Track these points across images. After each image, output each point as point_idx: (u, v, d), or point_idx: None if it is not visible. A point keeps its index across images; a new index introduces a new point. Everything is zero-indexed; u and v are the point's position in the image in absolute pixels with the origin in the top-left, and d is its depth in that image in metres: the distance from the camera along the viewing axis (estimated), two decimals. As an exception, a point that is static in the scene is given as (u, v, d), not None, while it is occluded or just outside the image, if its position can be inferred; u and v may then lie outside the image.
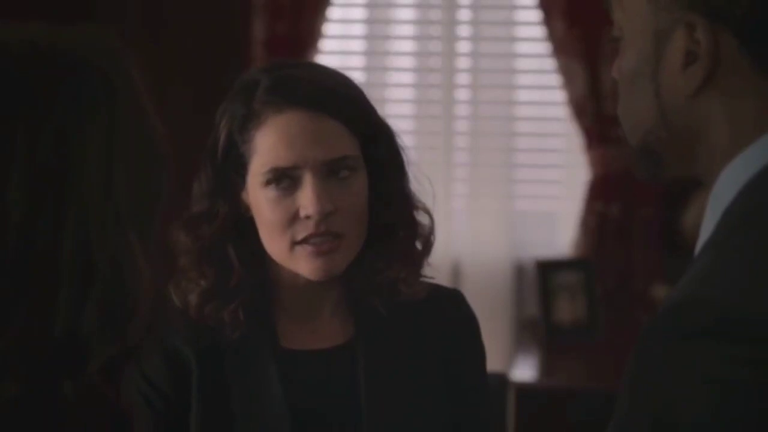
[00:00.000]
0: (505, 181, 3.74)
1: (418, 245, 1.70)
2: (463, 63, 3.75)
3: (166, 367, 1.65)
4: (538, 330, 3.59)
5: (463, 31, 3.75)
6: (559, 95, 3.63)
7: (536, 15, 3.62)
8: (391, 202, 1.66)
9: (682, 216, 3.54)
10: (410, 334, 1.70)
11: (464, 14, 3.75)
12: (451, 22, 3.71)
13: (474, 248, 3.67)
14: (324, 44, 3.65)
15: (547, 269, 3.57)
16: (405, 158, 1.70)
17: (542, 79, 3.73)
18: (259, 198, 1.61)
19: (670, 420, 0.98)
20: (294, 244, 1.60)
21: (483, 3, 3.75)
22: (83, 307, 1.04)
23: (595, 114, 3.56)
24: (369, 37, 3.79)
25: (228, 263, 1.64)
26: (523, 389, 3.15)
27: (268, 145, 1.59)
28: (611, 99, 3.49)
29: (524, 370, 3.37)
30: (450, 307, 1.74)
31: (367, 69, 3.77)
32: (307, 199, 1.58)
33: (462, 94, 3.76)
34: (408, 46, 3.81)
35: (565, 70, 3.56)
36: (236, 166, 1.63)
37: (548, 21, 3.56)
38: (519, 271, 3.70)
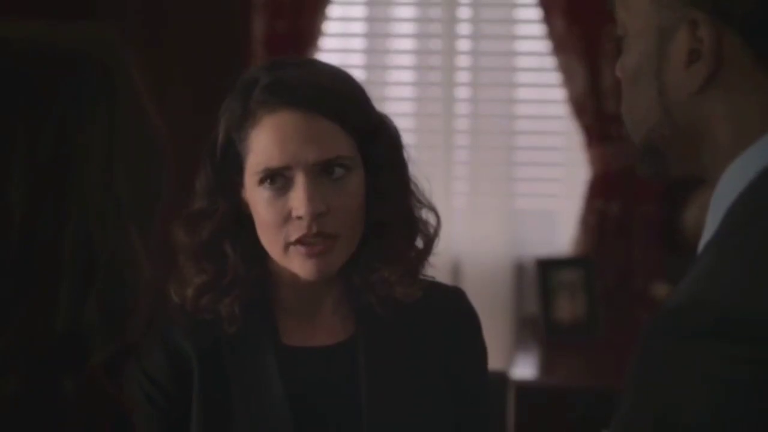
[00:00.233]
0: (505, 179, 3.74)
1: (420, 244, 1.70)
2: (463, 61, 3.75)
3: (167, 363, 1.66)
4: (538, 328, 3.59)
5: (463, 29, 3.75)
6: (559, 93, 3.63)
7: (536, 13, 3.62)
8: (388, 201, 1.66)
9: (683, 214, 3.54)
10: (411, 331, 1.70)
11: (464, 12, 3.75)
12: (451, 20, 3.71)
13: (474, 246, 3.67)
14: (324, 42, 3.65)
15: (547, 267, 3.57)
16: (406, 156, 1.70)
17: (542, 77, 3.73)
18: (255, 197, 1.62)
19: (671, 420, 0.99)
20: (288, 244, 1.60)
21: (483, 1, 3.75)
22: (84, 303, 1.05)
23: (595, 112, 3.56)
24: (369, 35, 3.79)
25: (225, 259, 1.64)
26: (523, 387, 3.15)
27: (261, 145, 1.60)
28: (611, 97, 3.49)
29: (524, 368, 3.37)
30: (451, 304, 1.74)
31: (367, 67, 3.77)
32: (298, 200, 1.58)
33: (462, 93, 3.76)
34: (408, 44, 3.81)
35: (565, 68, 3.56)
36: (234, 164, 1.64)
37: (548, 19, 3.56)
38: (519, 269, 3.70)
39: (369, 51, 3.80)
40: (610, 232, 3.62)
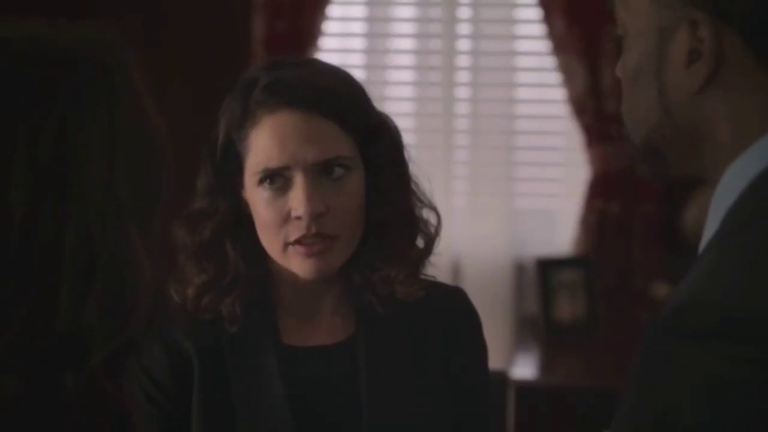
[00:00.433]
0: (505, 179, 3.74)
1: (421, 243, 1.70)
2: (463, 61, 3.75)
3: (168, 362, 1.66)
4: (538, 328, 3.59)
5: (463, 29, 3.75)
6: (559, 93, 3.63)
7: (536, 13, 3.62)
8: (388, 200, 1.66)
9: (683, 214, 3.54)
10: (411, 331, 1.70)
11: (464, 12, 3.75)
12: (451, 20, 3.71)
13: (474, 246, 3.67)
14: (324, 42, 3.65)
15: (547, 267, 3.57)
16: (407, 156, 1.70)
17: (542, 77, 3.73)
18: (255, 197, 1.62)
19: (671, 420, 0.99)
20: (287, 244, 1.60)
21: (483, 1, 3.75)
22: (84, 303, 1.05)
23: (595, 112, 3.56)
24: (369, 35, 3.79)
25: (225, 258, 1.65)
26: (522, 387, 3.15)
27: (261, 145, 1.60)
28: (611, 97, 3.49)
29: (524, 368, 3.37)
30: (451, 304, 1.74)
31: (367, 67, 3.77)
32: (297, 200, 1.58)
33: (462, 92, 3.76)
34: (408, 44, 3.80)
35: (565, 68, 3.56)
36: (234, 164, 1.64)
37: (548, 19, 3.56)
38: (519, 269, 3.70)
39: (369, 51, 3.80)
40: (610, 232, 3.62)
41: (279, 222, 1.60)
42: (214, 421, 1.65)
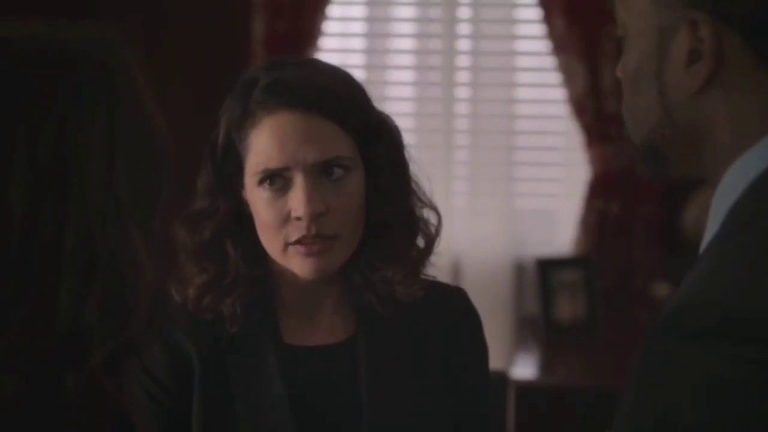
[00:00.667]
0: (505, 179, 3.74)
1: (421, 243, 1.70)
2: (463, 61, 3.75)
3: (168, 361, 1.66)
4: (538, 328, 3.59)
5: (463, 29, 3.75)
6: (559, 93, 3.63)
7: (536, 13, 3.62)
8: (388, 200, 1.66)
9: (683, 214, 3.54)
10: (412, 331, 1.70)
11: (464, 12, 3.75)
12: (451, 20, 3.71)
13: (474, 246, 3.67)
14: (324, 42, 3.65)
15: (547, 267, 3.57)
16: (407, 156, 1.69)
17: (542, 77, 3.73)
18: (255, 197, 1.62)
19: (671, 420, 0.99)
20: (287, 244, 1.60)
21: (483, 1, 3.75)
22: (85, 303, 1.05)
23: (595, 112, 3.56)
24: (369, 35, 3.79)
25: (226, 258, 1.65)
26: (523, 387, 3.15)
27: (261, 146, 1.60)
28: (611, 97, 3.49)
29: (524, 368, 3.37)
30: (452, 304, 1.74)
31: (367, 67, 3.77)
32: (297, 201, 1.58)
33: (462, 92, 3.76)
34: (408, 44, 3.80)
35: (565, 68, 3.56)
36: (234, 164, 1.64)
37: (548, 19, 3.56)
38: (519, 269, 3.70)
39: (369, 51, 3.80)
40: (610, 232, 3.62)
41: (279, 222, 1.60)
42: (214, 421, 1.65)
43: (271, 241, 1.62)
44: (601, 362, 3.46)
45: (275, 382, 1.64)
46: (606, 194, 3.60)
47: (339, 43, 3.80)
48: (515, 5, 3.77)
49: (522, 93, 3.78)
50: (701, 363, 0.98)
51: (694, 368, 0.99)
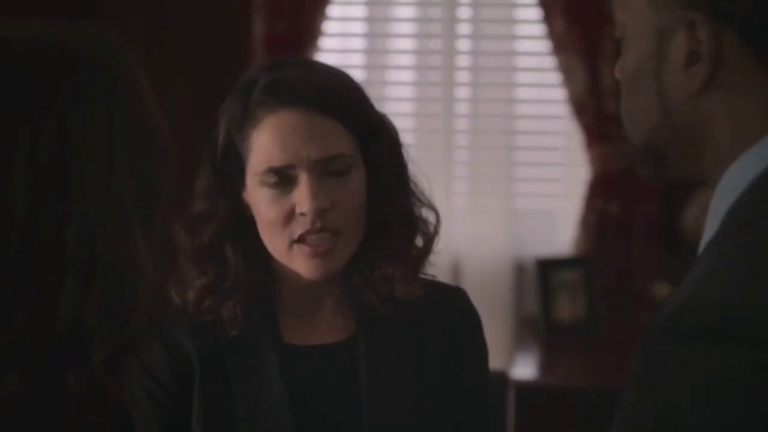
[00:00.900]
0: (505, 179, 3.74)
1: (420, 243, 1.70)
2: (463, 61, 3.75)
3: (168, 361, 1.66)
4: (538, 328, 3.59)
5: (463, 29, 3.75)
6: (559, 93, 3.63)
7: (536, 13, 3.62)
8: (388, 200, 1.66)
9: (683, 214, 3.54)
10: (412, 330, 1.70)
11: (464, 12, 3.75)
12: (451, 20, 3.71)
13: (474, 246, 3.67)
14: (324, 42, 3.65)
15: (547, 267, 3.57)
16: (406, 155, 1.70)
17: (542, 77, 3.73)
18: (257, 197, 1.62)
19: (672, 420, 0.99)
20: (292, 242, 1.60)
21: (483, 1, 3.75)
22: (85, 302, 1.05)
23: (595, 112, 3.56)
24: (369, 35, 3.79)
25: (226, 261, 1.64)
26: (522, 387, 3.15)
27: (263, 145, 1.60)
28: (611, 97, 3.49)
29: (524, 368, 3.37)
30: (452, 304, 1.75)
31: (367, 67, 3.77)
32: (302, 197, 1.58)
33: (462, 93, 3.76)
34: (408, 44, 3.80)
35: (565, 68, 3.56)
36: (235, 165, 1.64)
37: (548, 19, 3.56)
38: (519, 269, 3.70)
39: (369, 51, 3.80)
40: (610, 232, 3.62)
41: (283, 220, 1.60)
42: (214, 421, 1.65)
43: (274, 241, 1.62)
44: (601, 362, 3.46)
45: (275, 382, 1.64)
46: (606, 194, 3.60)
47: (339, 43, 3.79)
48: (515, 5, 3.77)
49: (522, 93, 3.78)
50: (701, 363, 0.98)
51: (694, 368, 0.99)
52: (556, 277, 3.56)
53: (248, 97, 1.62)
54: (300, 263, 1.61)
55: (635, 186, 3.55)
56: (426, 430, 1.67)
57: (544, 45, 3.61)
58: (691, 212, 3.49)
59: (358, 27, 3.81)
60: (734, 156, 1.13)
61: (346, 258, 1.63)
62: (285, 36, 3.60)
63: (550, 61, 3.61)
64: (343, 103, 1.62)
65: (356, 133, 1.63)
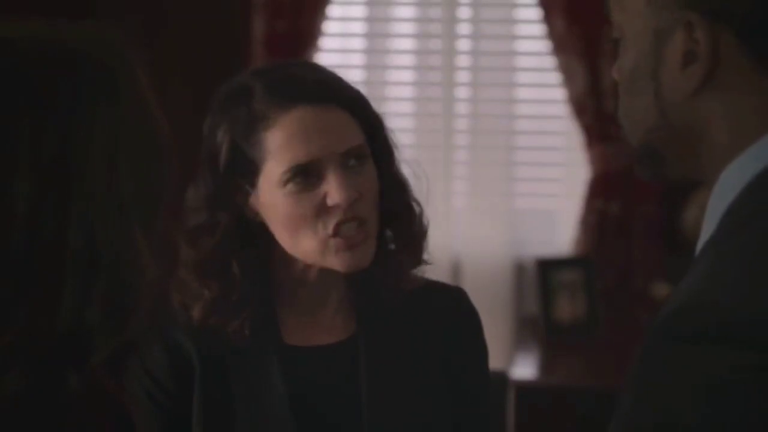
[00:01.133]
0: (505, 179, 3.74)
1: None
2: (463, 61, 3.75)
3: (168, 362, 1.66)
4: (538, 328, 3.59)
5: (463, 29, 3.75)
6: (559, 93, 3.63)
7: (536, 13, 3.62)
8: (393, 190, 1.67)
9: (683, 214, 3.54)
10: (412, 330, 1.70)
11: (464, 12, 3.75)
12: (451, 20, 3.71)
13: (474, 246, 3.67)
14: (324, 42, 3.65)
15: (547, 267, 3.57)
16: (397, 148, 1.71)
17: (542, 77, 3.73)
18: (278, 199, 1.60)
19: (672, 420, 0.99)
20: (327, 238, 1.59)
21: (483, 1, 3.75)
22: (87, 302, 1.05)
23: (595, 112, 3.55)
24: (369, 35, 3.79)
25: (231, 276, 1.63)
26: (522, 387, 3.15)
27: (282, 145, 1.58)
28: (611, 97, 3.49)
29: (524, 368, 3.37)
30: (452, 304, 1.75)
31: (367, 67, 3.77)
32: (333, 188, 1.57)
33: (462, 93, 3.76)
34: (408, 44, 3.80)
35: (565, 68, 3.56)
36: (243, 172, 1.61)
37: (548, 19, 3.56)
38: (519, 269, 3.70)
39: (369, 51, 3.79)
40: (610, 232, 3.62)
41: (312, 216, 1.58)
42: (214, 421, 1.65)
43: (304, 239, 1.60)
44: (601, 362, 3.46)
45: (275, 382, 1.64)
46: (606, 194, 3.60)
47: (339, 43, 3.79)
48: (515, 5, 3.77)
49: (522, 93, 3.78)
50: (701, 364, 0.98)
51: (693, 369, 0.99)
52: (556, 277, 3.56)
53: (249, 101, 1.61)
54: (335, 257, 1.59)
55: (635, 186, 3.55)
56: (426, 430, 1.67)
57: (544, 45, 3.61)
58: (691, 212, 3.49)
59: (358, 27, 3.81)
60: (732, 156, 1.13)
61: (374, 247, 1.62)
62: (285, 36, 3.60)
63: (550, 61, 3.61)
64: (351, 95, 1.63)
65: (363, 124, 1.63)
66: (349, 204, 1.57)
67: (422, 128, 3.75)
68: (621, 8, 1.19)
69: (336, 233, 1.58)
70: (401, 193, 1.68)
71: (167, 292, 1.66)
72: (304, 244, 1.60)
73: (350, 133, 1.60)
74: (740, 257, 1.05)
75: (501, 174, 3.73)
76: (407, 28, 3.80)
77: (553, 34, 3.56)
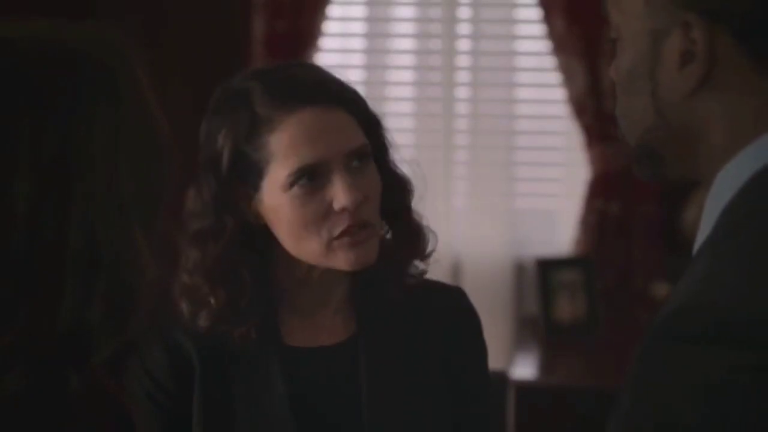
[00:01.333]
0: (505, 179, 3.74)
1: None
2: (463, 61, 3.75)
3: (168, 362, 1.66)
4: (538, 328, 3.59)
5: (463, 29, 3.75)
6: (559, 93, 3.63)
7: (536, 13, 3.62)
8: (394, 189, 1.67)
9: (683, 214, 3.54)
10: (412, 331, 1.70)
11: (464, 12, 3.75)
12: (451, 20, 3.71)
13: (474, 246, 3.67)
14: (324, 42, 3.65)
15: (547, 267, 3.58)
16: (394, 147, 1.71)
17: (542, 77, 3.73)
18: (282, 201, 1.59)
19: (671, 420, 0.99)
20: (331, 240, 1.58)
21: (483, 1, 3.75)
22: (87, 302, 1.05)
23: (595, 112, 3.56)
24: (369, 35, 3.79)
25: (240, 283, 1.62)
26: (522, 387, 3.15)
27: (287, 147, 1.58)
28: (611, 97, 3.48)
29: (524, 368, 3.37)
30: (451, 304, 1.75)
31: (367, 67, 3.77)
32: (340, 192, 1.57)
33: (462, 93, 3.76)
34: (408, 44, 3.80)
35: (565, 68, 3.56)
36: (246, 175, 1.61)
37: (548, 19, 3.56)
38: (519, 269, 3.70)
39: (369, 51, 3.79)
40: (610, 232, 3.62)
41: (319, 217, 1.58)
42: (214, 421, 1.65)
43: (308, 242, 1.59)
44: (601, 362, 3.46)
45: (276, 383, 1.64)
46: (606, 194, 3.60)
47: (339, 43, 3.79)
48: (515, 5, 3.77)
49: (522, 93, 3.78)
50: (700, 364, 0.98)
51: (692, 369, 0.99)
52: (556, 277, 3.57)
53: (250, 104, 1.60)
54: (341, 257, 1.59)
55: (635, 186, 3.55)
56: (426, 431, 1.67)
57: (544, 45, 3.61)
58: (691, 212, 3.49)
59: (358, 27, 3.81)
60: (729, 156, 1.13)
61: (377, 245, 1.62)
62: (285, 36, 3.60)
63: (550, 61, 3.61)
64: (351, 96, 1.63)
65: (362, 124, 1.63)
66: (356, 207, 1.57)
67: (422, 128, 3.75)
68: (618, 8, 1.20)
69: (342, 233, 1.58)
70: (401, 192, 1.68)
71: (167, 292, 1.65)
72: (309, 246, 1.60)
73: (353, 133, 1.60)
74: (738, 257, 1.05)
75: (501, 174, 3.73)
76: (407, 28, 3.80)
77: (553, 34, 3.56)
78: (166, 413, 1.66)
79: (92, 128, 1.07)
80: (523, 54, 3.77)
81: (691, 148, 1.16)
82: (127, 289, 1.07)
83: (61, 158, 1.05)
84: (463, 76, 3.75)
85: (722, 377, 0.98)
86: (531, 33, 3.71)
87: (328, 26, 3.67)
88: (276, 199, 1.60)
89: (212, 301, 1.62)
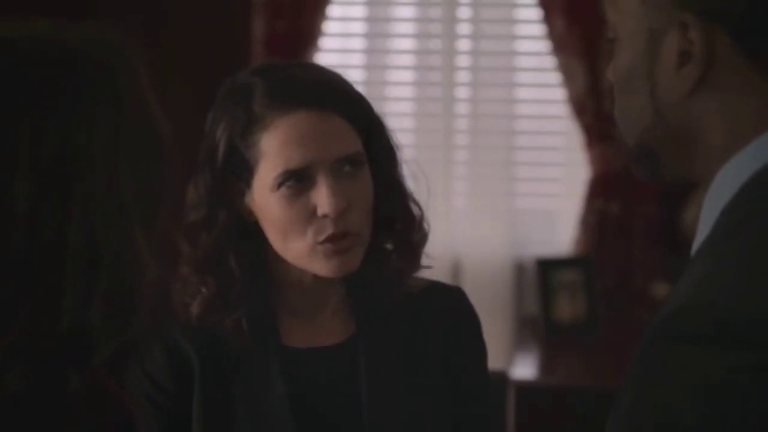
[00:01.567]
0: (505, 179, 3.74)
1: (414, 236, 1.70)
2: (463, 61, 3.75)
3: (168, 363, 1.66)
4: (538, 328, 3.59)
5: (463, 29, 3.75)
6: (559, 93, 3.63)
7: (536, 13, 3.62)
8: (391, 195, 1.66)
9: (683, 214, 3.54)
10: (411, 331, 1.70)
11: (464, 12, 3.75)
12: (451, 20, 3.71)
13: (474, 246, 3.67)
14: (324, 42, 3.65)
15: (547, 267, 3.57)
16: (399, 152, 1.70)
17: (542, 77, 3.73)
18: (270, 201, 1.60)
19: (671, 420, 0.99)
20: (314, 244, 1.59)
21: (483, 1, 3.75)
22: (88, 302, 1.05)
23: (595, 112, 3.56)
24: (369, 35, 3.79)
25: (229, 272, 1.63)
26: (522, 387, 3.15)
27: (277, 148, 1.58)
28: (611, 97, 3.49)
29: (524, 368, 3.37)
30: (451, 304, 1.75)
31: (367, 67, 3.77)
32: (323, 198, 1.57)
33: (462, 92, 3.76)
34: (408, 44, 3.80)
35: (565, 68, 3.56)
36: (239, 171, 1.62)
37: (548, 19, 3.56)
38: (519, 269, 3.70)
39: (369, 51, 3.79)
40: (610, 232, 3.62)
41: (302, 222, 1.58)
42: (214, 422, 1.65)
43: (292, 244, 1.60)
44: (601, 362, 3.46)
45: (275, 383, 1.64)
46: (606, 194, 3.60)
47: (339, 43, 3.79)
48: (515, 5, 3.77)
49: (522, 93, 3.78)
50: (699, 364, 0.98)
51: (692, 370, 0.99)
52: (556, 277, 3.57)
53: (249, 101, 1.60)
54: (321, 263, 1.59)
55: (635, 186, 3.55)
56: (426, 431, 1.67)
57: (544, 45, 3.61)
58: (691, 212, 3.49)
59: (358, 27, 3.81)
60: (727, 156, 1.13)
61: (361, 254, 1.62)
62: (285, 36, 3.60)
63: (550, 61, 3.61)
64: (349, 101, 1.62)
65: (360, 129, 1.63)
66: (338, 214, 1.57)
67: (422, 128, 3.76)
68: (615, 8, 1.20)
69: (326, 240, 1.58)
70: (400, 199, 1.67)
71: (167, 292, 1.66)
72: (293, 248, 1.60)
73: (346, 140, 1.60)
74: (737, 258, 1.05)
75: (501, 174, 3.73)
76: (407, 28, 3.80)
77: (553, 34, 3.56)
78: (166, 414, 1.66)
79: (92, 128, 1.07)
80: (523, 54, 3.77)
81: (690, 148, 1.16)
82: (127, 289, 1.07)
83: (61, 158, 1.05)
84: (463, 76, 3.75)
85: (722, 377, 0.98)
86: (531, 33, 3.71)
87: (328, 26, 3.67)
88: (264, 198, 1.60)
89: (203, 290, 1.63)
